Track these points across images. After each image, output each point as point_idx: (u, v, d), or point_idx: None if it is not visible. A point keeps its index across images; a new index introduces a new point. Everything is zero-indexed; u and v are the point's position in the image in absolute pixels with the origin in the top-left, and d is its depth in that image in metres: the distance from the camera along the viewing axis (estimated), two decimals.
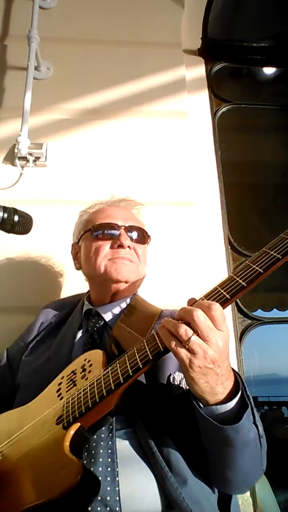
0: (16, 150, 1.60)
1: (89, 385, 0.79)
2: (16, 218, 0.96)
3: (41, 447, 0.76)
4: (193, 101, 1.96)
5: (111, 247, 1.08)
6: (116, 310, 1.08)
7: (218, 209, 1.81)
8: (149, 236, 1.15)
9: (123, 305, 1.09)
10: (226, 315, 1.79)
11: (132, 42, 1.96)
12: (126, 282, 1.07)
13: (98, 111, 1.81)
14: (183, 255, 1.59)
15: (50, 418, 0.81)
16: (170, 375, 0.87)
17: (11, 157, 1.68)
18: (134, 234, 1.11)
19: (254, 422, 0.75)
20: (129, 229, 1.11)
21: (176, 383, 0.86)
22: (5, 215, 0.94)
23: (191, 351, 0.66)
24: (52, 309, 1.23)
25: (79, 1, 2.00)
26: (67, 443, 0.71)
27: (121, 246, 1.07)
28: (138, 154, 1.75)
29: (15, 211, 0.97)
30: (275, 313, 3.22)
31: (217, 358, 0.67)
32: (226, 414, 0.71)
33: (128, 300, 1.11)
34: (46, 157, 1.66)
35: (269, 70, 2.33)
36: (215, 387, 0.69)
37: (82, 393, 0.79)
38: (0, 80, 1.83)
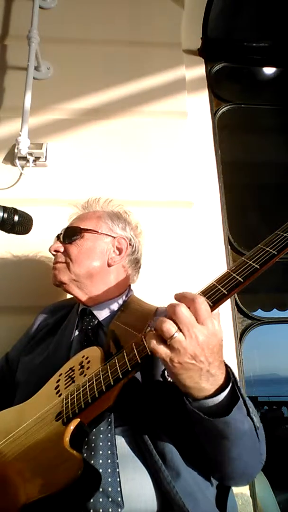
0: (16, 150, 1.59)
1: (88, 381, 0.80)
2: (16, 218, 0.96)
3: (41, 443, 0.77)
4: (193, 101, 1.96)
5: None
6: (109, 310, 1.09)
7: (218, 209, 1.81)
8: (82, 229, 1.13)
9: (116, 305, 1.11)
10: (226, 315, 1.79)
11: (132, 42, 1.96)
12: (63, 283, 1.11)
13: (98, 111, 1.81)
14: (183, 255, 1.59)
15: (49, 415, 0.82)
16: (164, 370, 0.87)
17: (11, 157, 1.68)
18: (66, 236, 1.14)
19: (249, 415, 0.75)
20: (63, 233, 1.16)
21: (170, 377, 0.86)
22: (5, 215, 0.95)
23: (171, 347, 0.66)
24: (49, 311, 1.25)
25: (79, 1, 2.00)
26: (67, 439, 0.72)
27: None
28: (138, 154, 1.75)
29: (15, 211, 0.97)
30: (275, 313, 3.23)
31: (198, 354, 0.66)
32: (215, 408, 0.71)
33: (121, 300, 1.12)
34: (46, 157, 1.65)
35: (269, 70, 2.33)
36: (199, 382, 0.69)
37: (81, 389, 0.80)
38: (0, 80, 1.83)
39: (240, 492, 1.38)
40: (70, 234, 1.13)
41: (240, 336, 1.64)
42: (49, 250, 1.16)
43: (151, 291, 1.29)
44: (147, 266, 1.34)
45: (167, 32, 2.00)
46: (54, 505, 0.67)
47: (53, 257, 1.16)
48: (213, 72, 2.13)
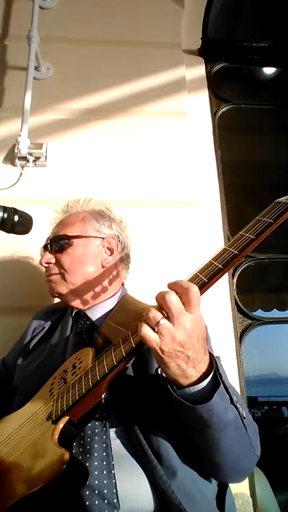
0: (16, 150, 1.60)
1: (77, 379, 0.81)
2: (16, 218, 0.96)
3: (33, 444, 0.77)
4: (193, 101, 1.96)
5: None
6: (103, 310, 1.09)
7: (218, 209, 1.81)
8: (71, 237, 1.11)
9: (110, 305, 1.10)
10: (226, 315, 1.79)
11: (132, 42, 1.96)
12: (61, 294, 1.10)
13: (98, 111, 1.81)
14: (183, 256, 1.59)
15: (41, 416, 0.83)
16: (158, 368, 0.88)
17: (11, 157, 1.68)
18: (55, 246, 1.12)
19: (232, 403, 0.75)
20: (51, 242, 1.13)
21: (164, 375, 0.86)
22: (5, 215, 0.95)
23: (160, 335, 0.66)
24: (44, 314, 1.24)
25: (79, 1, 2.01)
26: (55, 437, 0.73)
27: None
28: (138, 154, 1.75)
29: (15, 211, 0.97)
30: (275, 313, 3.22)
31: (186, 341, 0.67)
32: (198, 395, 0.71)
33: (115, 300, 1.12)
34: (46, 157, 1.66)
35: (269, 70, 2.33)
36: (186, 370, 0.69)
37: (70, 387, 0.81)
38: (0, 80, 1.84)
39: (240, 492, 1.37)
40: (59, 244, 1.11)
41: (240, 336, 1.64)
42: (40, 263, 1.13)
43: (151, 291, 1.29)
44: (147, 266, 1.34)
45: (167, 32, 2.00)
46: (43, 503, 0.67)
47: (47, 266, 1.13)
48: (213, 72, 2.13)
